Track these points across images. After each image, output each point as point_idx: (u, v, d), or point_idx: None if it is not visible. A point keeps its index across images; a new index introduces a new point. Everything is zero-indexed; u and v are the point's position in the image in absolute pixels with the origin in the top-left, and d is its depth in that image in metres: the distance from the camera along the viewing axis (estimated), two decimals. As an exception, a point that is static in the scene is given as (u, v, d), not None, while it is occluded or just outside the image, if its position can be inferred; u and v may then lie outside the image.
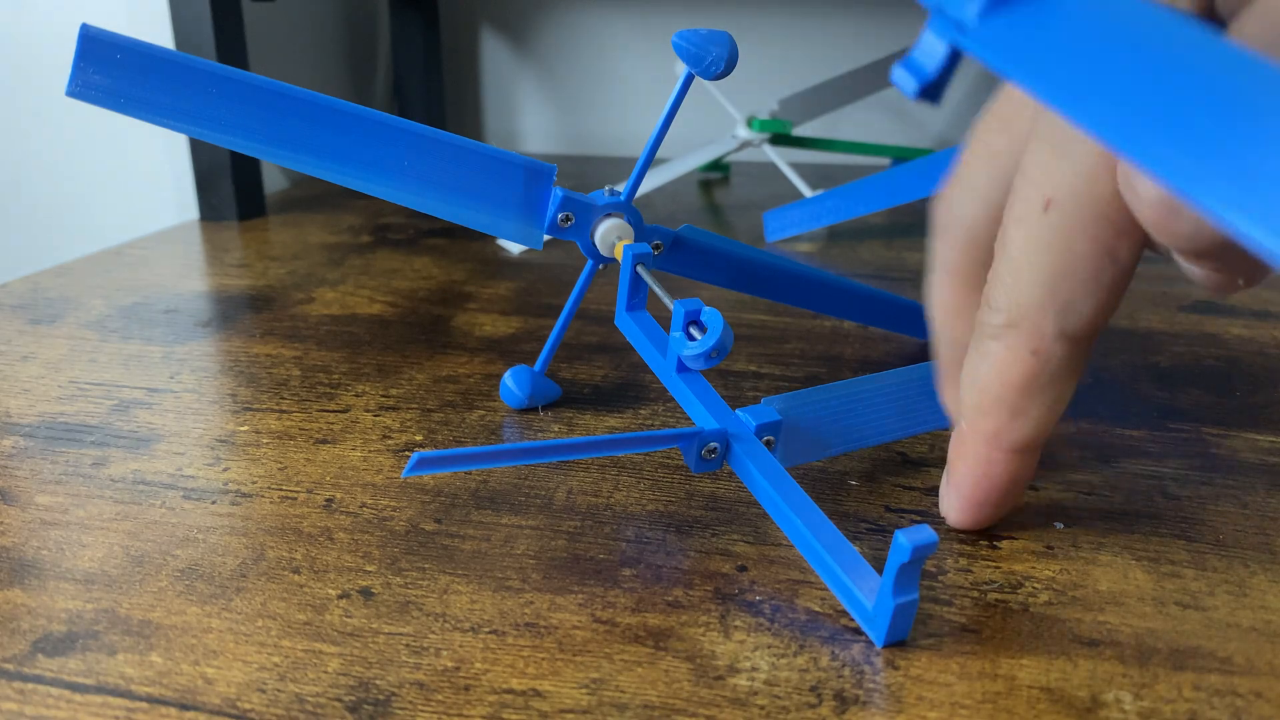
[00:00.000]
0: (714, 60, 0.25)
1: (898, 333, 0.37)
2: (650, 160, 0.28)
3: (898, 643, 0.20)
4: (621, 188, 0.29)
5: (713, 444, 0.23)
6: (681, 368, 0.26)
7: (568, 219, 0.28)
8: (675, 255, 0.30)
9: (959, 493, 0.23)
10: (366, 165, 0.26)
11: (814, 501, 0.22)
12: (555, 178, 0.28)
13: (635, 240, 0.29)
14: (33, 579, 0.22)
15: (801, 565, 0.23)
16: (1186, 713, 0.18)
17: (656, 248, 0.29)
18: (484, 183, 0.27)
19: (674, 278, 0.43)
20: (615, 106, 0.80)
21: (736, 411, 0.24)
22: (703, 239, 0.30)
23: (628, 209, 0.29)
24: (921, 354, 0.36)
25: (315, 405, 0.31)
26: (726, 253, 0.31)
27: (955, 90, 0.74)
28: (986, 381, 0.22)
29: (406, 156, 0.27)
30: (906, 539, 0.18)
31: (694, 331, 0.25)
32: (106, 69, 0.24)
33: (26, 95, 0.63)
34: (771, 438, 0.24)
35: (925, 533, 0.19)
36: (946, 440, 0.29)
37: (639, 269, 0.28)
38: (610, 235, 0.28)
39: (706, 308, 0.24)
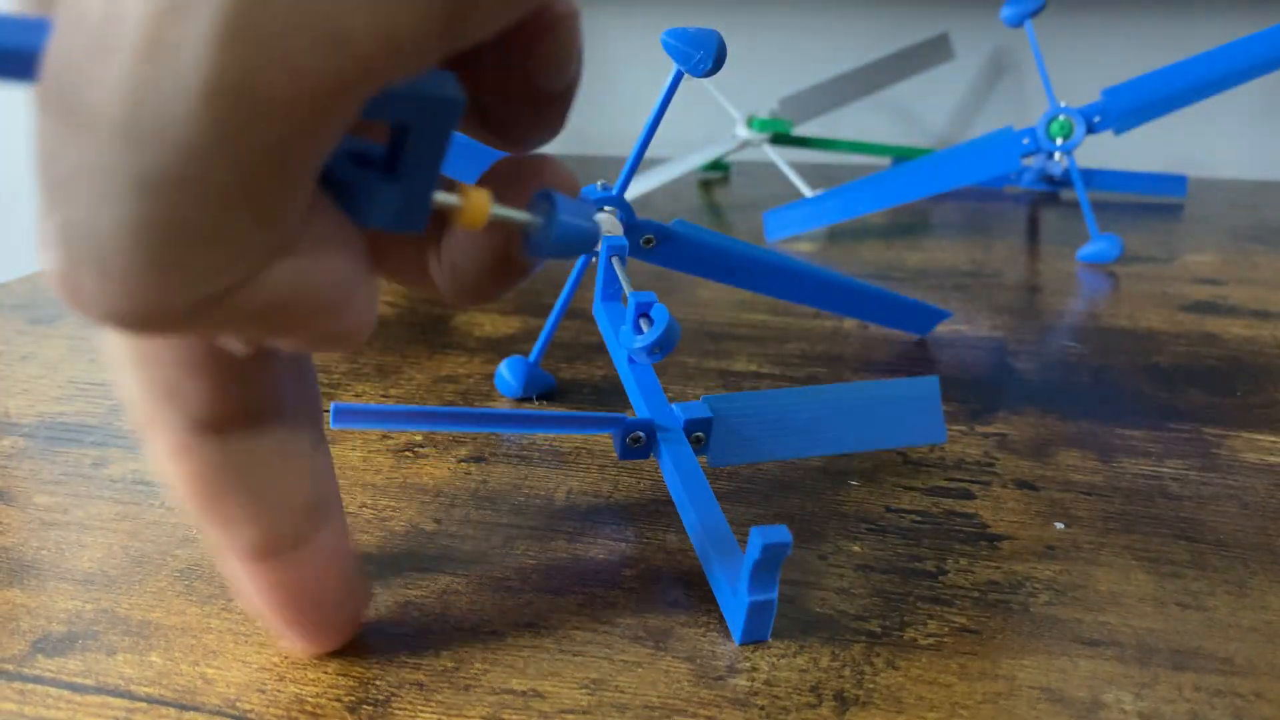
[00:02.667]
0: (702, 58, 0.26)
1: (892, 328, 0.37)
2: (641, 155, 0.28)
3: (756, 641, 0.20)
4: (614, 183, 0.29)
5: (637, 433, 0.24)
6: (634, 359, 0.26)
7: None
8: (668, 249, 0.30)
9: (269, 620, 0.19)
10: None
11: (716, 499, 0.22)
12: None
13: (628, 234, 0.29)
14: (32, 579, 0.22)
15: (802, 566, 0.23)
16: (1187, 713, 0.18)
17: (648, 241, 0.30)
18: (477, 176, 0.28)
19: (680, 276, 0.43)
20: (615, 106, 0.80)
21: (672, 405, 0.25)
22: (694, 233, 0.31)
23: (619, 203, 0.29)
24: (916, 353, 0.36)
25: (315, 405, 0.31)
26: (717, 246, 0.31)
27: (955, 90, 0.74)
28: (176, 487, 0.17)
29: None
30: (761, 537, 0.18)
31: (644, 325, 0.25)
32: None
33: (25, 96, 0.63)
34: (701, 434, 0.24)
35: (780, 533, 0.18)
36: (944, 443, 0.29)
37: (613, 261, 0.28)
38: (602, 229, 0.29)
39: (658, 303, 0.25)
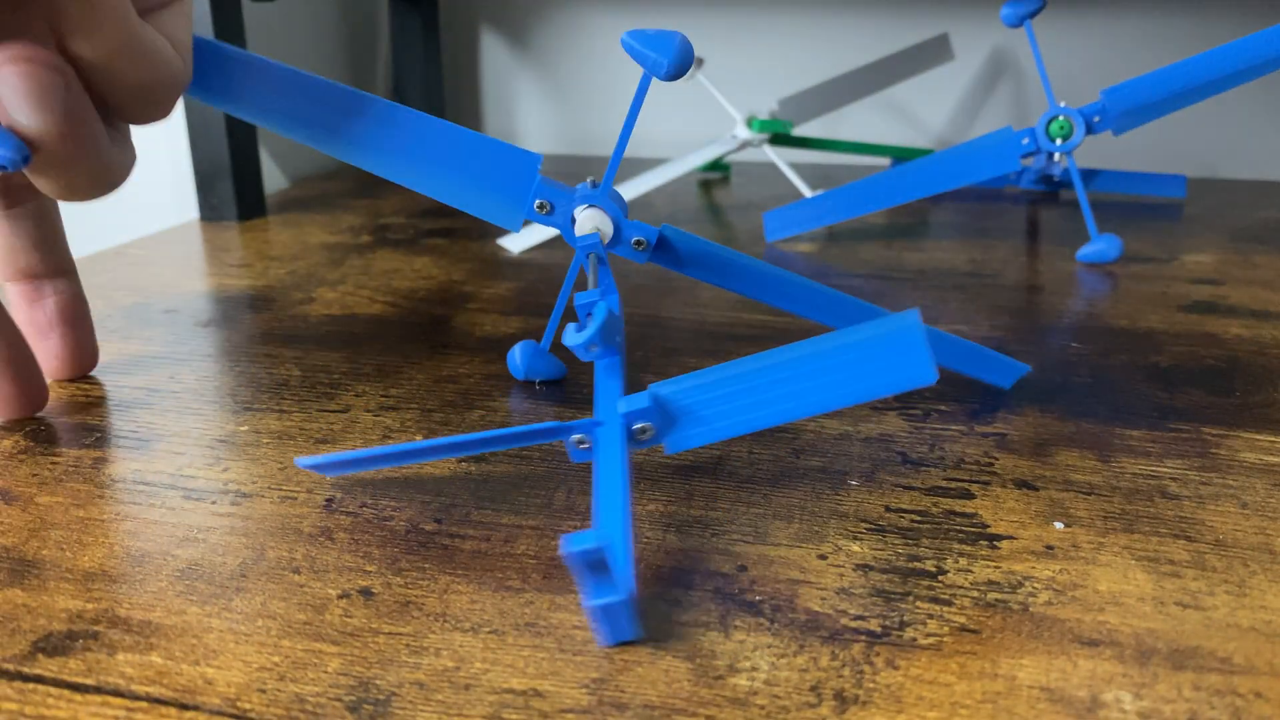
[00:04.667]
0: (660, 60, 0.26)
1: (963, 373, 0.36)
2: (623, 152, 0.29)
3: (624, 642, 0.20)
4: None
5: (580, 434, 0.24)
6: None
7: (544, 206, 0.29)
8: (659, 253, 0.31)
9: None
10: (371, 145, 0.29)
11: (627, 498, 0.21)
12: (539, 166, 0.29)
13: (615, 233, 0.30)
14: (33, 579, 0.22)
15: (801, 565, 0.23)
16: (1186, 713, 0.18)
17: (638, 244, 0.30)
18: (474, 165, 0.29)
19: (680, 276, 0.43)
20: (615, 106, 0.80)
21: (618, 400, 0.24)
22: (680, 239, 0.31)
23: (605, 200, 0.29)
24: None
25: (315, 405, 0.31)
26: (704, 251, 0.31)
27: (955, 90, 0.74)
28: None
29: (407, 138, 0.29)
30: (566, 545, 0.18)
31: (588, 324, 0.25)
32: None
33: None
34: (647, 424, 0.23)
35: (585, 539, 0.18)
36: (946, 439, 0.29)
37: (589, 259, 0.29)
38: (588, 225, 0.30)
39: (600, 302, 0.25)
